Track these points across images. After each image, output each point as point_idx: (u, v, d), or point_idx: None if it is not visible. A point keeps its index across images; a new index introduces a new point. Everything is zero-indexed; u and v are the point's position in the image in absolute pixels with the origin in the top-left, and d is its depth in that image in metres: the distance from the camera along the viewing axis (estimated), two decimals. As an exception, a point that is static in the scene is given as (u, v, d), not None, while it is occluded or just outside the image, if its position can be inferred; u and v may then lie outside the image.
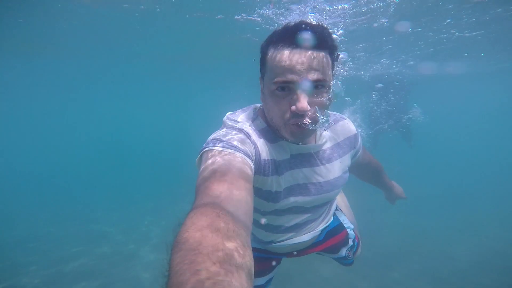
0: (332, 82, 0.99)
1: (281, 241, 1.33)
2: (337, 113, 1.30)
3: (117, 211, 7.33)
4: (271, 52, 0.95)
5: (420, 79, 10.10)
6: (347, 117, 1.34)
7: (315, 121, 0.96)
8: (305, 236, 1.33)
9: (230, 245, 0.53)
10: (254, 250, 1.37)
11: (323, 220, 1.39)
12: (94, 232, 6.01)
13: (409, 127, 8.21)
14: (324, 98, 0.95)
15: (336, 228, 1.56)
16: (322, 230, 1.40)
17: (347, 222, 1.64)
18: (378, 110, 8.04)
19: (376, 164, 1.68)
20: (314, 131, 1.03)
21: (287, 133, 1.00)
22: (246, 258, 0.54)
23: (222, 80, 11.87)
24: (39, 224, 6.45)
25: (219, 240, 0.53)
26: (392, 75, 8.88)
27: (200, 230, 0.55)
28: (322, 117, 0.96)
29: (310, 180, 1.13)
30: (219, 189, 0.74)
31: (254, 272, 1.20)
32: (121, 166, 17.06)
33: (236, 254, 0.52)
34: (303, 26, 0.91)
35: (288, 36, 0.91)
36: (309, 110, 0.92)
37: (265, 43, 0.99)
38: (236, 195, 0.74)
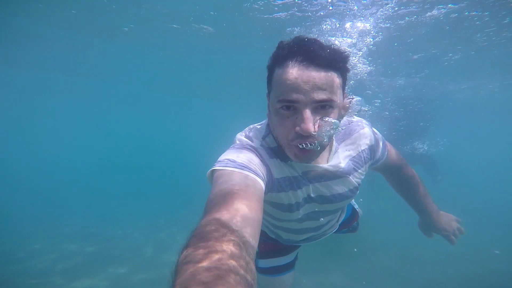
0: (345, 101, 0.95)
1: (302, 240, 1.46)
2: (356, 120, 1.22)
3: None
4: (276, 69, 0.91)
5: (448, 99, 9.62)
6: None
7: (320, 143, 0.91)
8: (323, 233, 1.47)
9: (233, 277, 0.52)
10: (274, 240, 1.56)
11: (340, 216, 1.52)
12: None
13: (433, 158, 6.80)
14: (331, 119, 0.90)
15: (350, 217, 1.69)
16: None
17: (355, 204, 1.76)
18: (394, 132, 6.73)
19: (407, 173, 1.47)
20: (319, 153, 0.99)
21: (291, 154, 0.98)
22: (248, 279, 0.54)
23: (237, 92, 11.98)
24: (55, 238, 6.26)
25: (223, 263, 0.53)
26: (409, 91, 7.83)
27: (203, 252, 0.56)
28: (327, 139, 0.92)
29: (324, 193, 1.15)
30: (227, 208, 0.74)
31: (278, 252, 1.62)
32: (137, 176, 17.44)
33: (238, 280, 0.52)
34: (311, 43, 0.86)
35: (294, 53, 0.87)
36: (315, 132, 0.88)
37: (271, 60, 0.94)
38: (245, 215, 0.74)
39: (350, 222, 1.71)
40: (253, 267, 0.59)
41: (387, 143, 1.33)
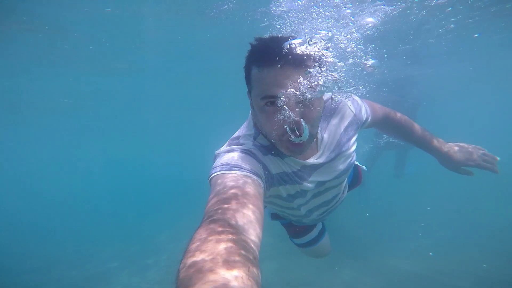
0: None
1: (318, 216, 1.52)
2: (333, 98, 1.22)
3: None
4: (254, 69, 0.93)
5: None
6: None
7: (310, 132, 0.94)
8: (335, 204, 1.52)
9: (233, 272, 0.52)
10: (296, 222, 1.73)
11: (345, 186, 1.57)
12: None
13: (408, 150, 6.51)
14: (316, 108, 0.94)
15: (354, 177, 1.80)
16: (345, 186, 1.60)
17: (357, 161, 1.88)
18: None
19: (397, 118, 1.49)
20: (311, 143, 1.02)
21: (283, 149, 1.00)
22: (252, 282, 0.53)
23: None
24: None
25: (225, 261, 0.54)
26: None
27: (205, 252, 0.56)
28: (315, 127, 0.95)
29: (324, 176, 1.21)
30: (228, 210, 0.75)
31: (306, 230, 1.86)
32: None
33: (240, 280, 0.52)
34: (283, 41, 0.89)
35: (269, 51, 0.88)
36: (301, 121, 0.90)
37: (247, 60, 0.97)
38: (246, 214, 0.76)
39: (357, 182, 1.86)
40: (257, 263, 0.59)
41: (366, 101, 1.36)
